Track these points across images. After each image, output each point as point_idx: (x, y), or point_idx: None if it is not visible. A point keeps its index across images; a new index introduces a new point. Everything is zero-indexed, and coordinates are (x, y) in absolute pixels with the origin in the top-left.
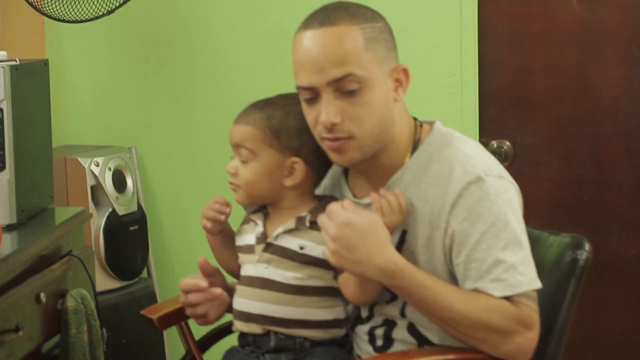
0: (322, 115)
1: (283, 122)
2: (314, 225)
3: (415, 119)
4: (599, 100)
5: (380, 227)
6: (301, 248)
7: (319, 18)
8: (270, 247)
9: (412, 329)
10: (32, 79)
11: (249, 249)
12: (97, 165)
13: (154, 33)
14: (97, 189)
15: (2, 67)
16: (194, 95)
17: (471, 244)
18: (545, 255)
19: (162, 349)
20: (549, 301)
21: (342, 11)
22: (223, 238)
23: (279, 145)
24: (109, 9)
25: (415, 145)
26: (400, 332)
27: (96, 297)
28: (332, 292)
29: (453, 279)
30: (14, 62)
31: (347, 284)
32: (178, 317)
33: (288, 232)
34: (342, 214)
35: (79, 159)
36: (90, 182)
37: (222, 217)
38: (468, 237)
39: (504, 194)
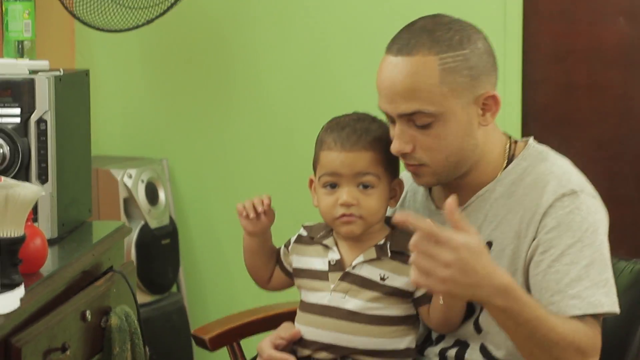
0: (394, 143)
1: (389, 143)
2: (394, 255)
3: (508, 135)
4: None
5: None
6: (382, 279)
7: (400, 42)
8: (348, 276)
9: (484, 351)
10: (74, 89)
11: (320, 275)
12: (130, 177)
13: (188, 43)
14: (129, 202)
15: (46, 77)
16: (227, 107)
17: (555, 255)
18: (616, 281)
19: None
20: (621, 330)
21: (426, 36)
22: (262, 242)
23: (390, 168)
24: (148, 19)
25: (509, 161)
26: (472, 354)
27: (139, 315)
28: (408, 321)
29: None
30: (57, 73)
31: (434, 312)
32: (230, 337)
33: (368, 261)
34: (456, 237)
35: (111, 170)
36: (122, 194)
37: (260, 209)
38: (552, 248)
39: (596, 214)
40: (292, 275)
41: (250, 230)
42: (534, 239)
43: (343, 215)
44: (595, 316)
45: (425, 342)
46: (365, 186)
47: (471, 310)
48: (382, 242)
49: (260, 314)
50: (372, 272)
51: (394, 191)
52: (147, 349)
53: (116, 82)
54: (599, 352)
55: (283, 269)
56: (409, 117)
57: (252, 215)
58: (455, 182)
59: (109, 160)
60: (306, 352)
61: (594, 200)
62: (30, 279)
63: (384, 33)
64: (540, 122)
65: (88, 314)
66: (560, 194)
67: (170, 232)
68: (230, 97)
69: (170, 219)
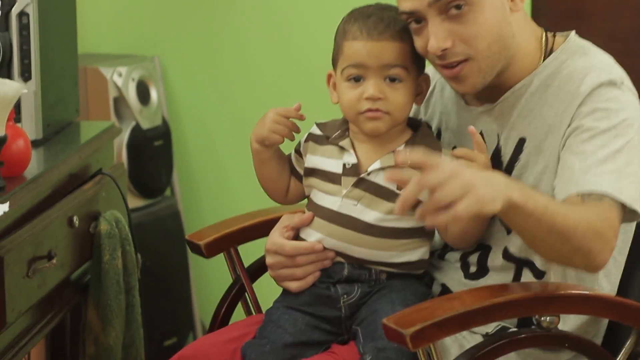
0: (431, 41)
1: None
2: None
3: (544, 29)
4: None
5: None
6: (399, 188)
7: None
8: (363, 183)
9: (506, 254)
10: None
11: (332, 178)
12: (120, 75)
13: None
14: (119, 101)
15: None
16: (222, 2)
17: (585, 137)
18: None
19: (186, 273)
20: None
21: None
22: (275, 149)
23: (418, 61)
24: None
25: (546, 54)
26: (495, 259)
27: (130, 220)
28: (422, 232)
29: None
30: None
31: (451, 227)
32: (226, 243)
33: (386, 168)
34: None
35: (100, 68)
36: (112, 93)
37: (292, 137)
38: (584, 132)
39: (635, 110)
40: None
41: (272, 142)
42: (568, 127)
43: (369, 110)
44: (614, 203)
45: (446, 247)
46: (393, 79)
47: None
48: (401, 147)
49: (258, 218)
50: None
51: (421, 87)
52: (139, 256)
53: None
54: (617, 236)
55: (298, 176)
56: (442, 6)
57: (281, 140)
58: (492, 81)
59: (97, 58)
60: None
61: (634, 97)
62: (13, 182)
63: None
64: (551, 16)
65: (75, 220)
66: (599, 83)
67: (163, 133)
68: None
69: (163, 119)
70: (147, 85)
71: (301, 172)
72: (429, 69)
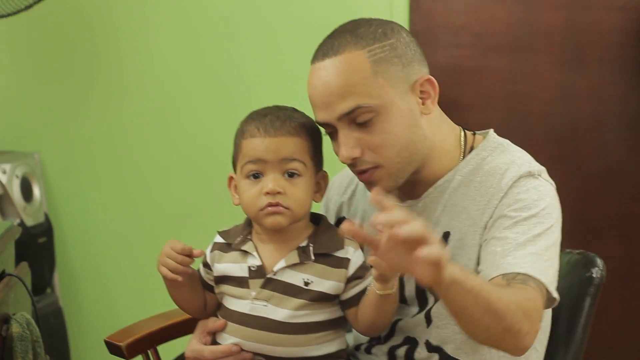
0: (341, 150)
1: (315, 131)
2: (318, 257)
3: (463, 128)
4: (532, 104)
5: None
6: (306, 284)
7: (325, 47)
8: (270, 283)
9: (431, 346)
10: None
11: (240, 282)
12: (4, 172)
13: (60, 32)
14: (4, 198)
15: None
16: (102, 99)
17: (506, 224)
18: None
19: None
20: (563, 322)
21: (348, 35)
22: (188, 279)
23: (316, 158)
24: (27, 4)
25: (467, 151)
26: (422, 352)
27: (39, 322)
28: (336, 323)
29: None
30: None
31: (362, 315)
32: (147, 343)
33: (290, 266)
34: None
35: None
36: None
37: (189, 270)
38: (506, 220)
39: (553, 199)
40: None
41: (176, 282)
42: (490, 219)
43: (269, 205)
44: (536, 284)
45: (372, 340)
46: (291, 175)
47: (424, 301)
48: (304, 243)
49: (176, 318)
50: (295, 278)
51: (319, 185)
52: (49, 357)
53: None
54: (541, 318)
55: (211, 289)
56: (350, 118)
57: (179, 279)
58: (411, 178)
59: None
60: None
61: (552, 188)
62: None
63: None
64: None
65: None
66: (519, 176)
67: (46, 229)
68: (106, 89)
69: (45, 216)
70: (29, 182)
71: (212, 284)
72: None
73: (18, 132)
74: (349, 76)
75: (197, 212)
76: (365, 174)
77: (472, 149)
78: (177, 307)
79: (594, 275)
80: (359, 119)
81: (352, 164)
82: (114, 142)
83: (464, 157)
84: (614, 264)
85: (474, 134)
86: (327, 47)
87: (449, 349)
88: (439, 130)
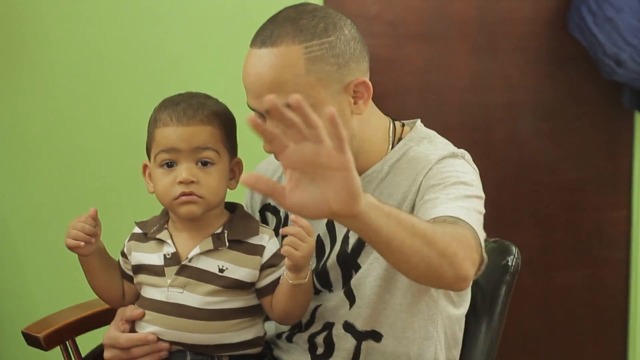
0: (265, 143)
1: (229, 119)
2: (233, 244)
3: (392, 119)
4: (446, 94)
5: None
6: (221, 270)
7: (264, 34)
8: (185, 270)
9: (347, 326)
10: None
11: (156, 270)
12: None
13: None
14: None
15: None
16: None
17: (436, 189)
18: None
19: None
20: (480, 309)
21: (289, 25)
22: (99, 257)
23: (229, 145)
24: None
25: (395, 142)
26: (338, 334)
27: None
28: (252, 311)
29: None
30: None
31: (277, 303)
32: (65, 334)
33: (205, 252)
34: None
35: None
36: None
37: (93, 240)
38: (434, 187)
39: (477, 179)
40: None
41: (89, 252)
42: (417, 194)
43: (182, 194)
44: (469, 226)
45: (293, 328)
46: (205, 163)
47: (348, 278)
48: (219, 230)
49: (95, 308)
50: (209, 264)
51: (233, 172)
52: None
53: None
54: (478, 252)
55: (129, 278)
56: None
57: (82, 244)
58: None
59: None
60: None
61: (476, 171)
62: None
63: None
64: None
65: None
66: (442, 156)
67: None
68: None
69: None
70: None
71: (130, 273)
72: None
73: None
74: (281, 71)
75: (114, 202)
76: None
77: (400, 139)
78: (95, 297)
79: (510, 263)
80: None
81: (275, 155)
82: (24, 128)
83: (392, 148)
84: (528, 253)
85: (403, 125)
86: (267, 35)
87: (361, 326)
88: (368, 125)
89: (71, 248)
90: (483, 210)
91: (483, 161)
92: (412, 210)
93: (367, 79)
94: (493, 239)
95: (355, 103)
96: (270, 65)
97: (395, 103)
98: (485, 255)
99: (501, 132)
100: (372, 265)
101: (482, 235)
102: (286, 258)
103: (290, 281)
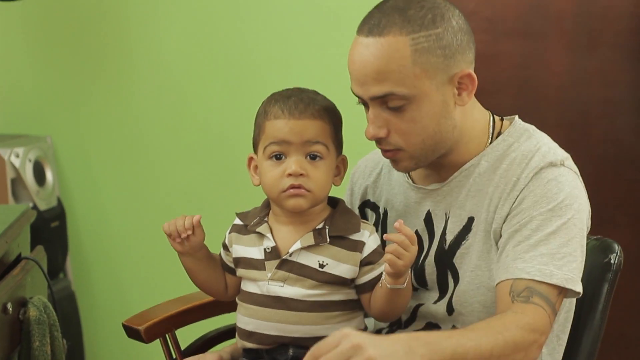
0: (368, 128)
1: (337, 115)
2: (334, 240)
3: (492, 113)
4: (542, 90)
5: None
6: (321, 266)
7: (371, 22)
8: (286, 264)
9: None
10: None
11: (256, 264)
12: (17, 156)
13: (74, 15)
14: (17, 182)
15: None
16: (113, 83)
17: (522, 221)
18: None
19: (81, 355)
20: (582, 308)
21: (397, 15)
22: (200, 258)
23: (337, 141)
24: None
25: (494, 137)
26: None
27: (55, 305)
28: (353, 304)
29: None
30: None
31: (375, 301)
32: (165, 327)
33: (306, 248)
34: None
35: None
36: (10, 175)
37: (180, 240)
38: (521, 215)
39: (574, 188)
40: None
41: (180, 251)
42: (508, 213)
43: (291, 187)
44: (542, 297)
45: (393, 324)
46: (314, 157)
47: (444, 288)
48: (320, 225)
49: (194, 302)
50: (310, 259)
51: (338, 169)
52: (65, 341)
53: None
54: (542, 334)
55: (231, 270)
56: (382, 100)
57: (178, 240)
58: (437, 161)
59: None
60: (249, 344)
61: (576, 176)
62: None
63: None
64: None
65: (9, 306)
66: (540, 167)
67: (59, 214)
68: (119, 73)
69: (58, 200)
70: (42, 166)
71: (232, 265)
72: (377, 149)
73: (31, 116)
74: (387, 61)
75: (209, 196)
76: (387, 153)
77: (499, 134)
78: (194, 290)
79: (612, 261)
80: (390, 105)
81: (377, 141)
82: (126, 126)
83: (491, 142)
84: (626, 251)
85: (502, 119)
86: (374, 24)
87: None
88: (470, 117)
89: (166, 235)
90: (578, 232)
91: (580, 158)
92: (503, 223)
93: (472, 71)
94: (595, 237)
95: (459, 94)
96: (377, 55)
97: (492, 99)
98: (579, 289)
99: (599, 129)
100: (474, 275)
101: (571, 270)
102: (386, 264)
103: (388, 286)
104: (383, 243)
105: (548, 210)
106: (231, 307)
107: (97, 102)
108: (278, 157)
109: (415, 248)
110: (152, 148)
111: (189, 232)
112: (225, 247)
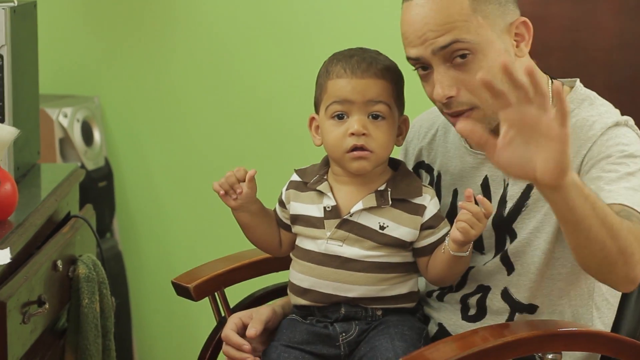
0: (437, 89)
1: (399, 75)
2: (395, 202)
3: (551, 77)
4: (592, 53)
5: None
6: (381, 227)
7: None
8: (346, 224)
9: (506, 295)
10: (25, 22)
11: (315, 222)
12: (66, 116)
13: None
14: (65, 142)
15: (2, 8)
16: (159, 45)
17: (598, 168)
18: None
19: (128, 315)
20: None
21: None
22: (254, 213)
23: (399, 101)
24: None
25: (553, 103)
26: (493, 299)
27: (104, 264)
28: (409, 267)
29: None
30: (11, 4)
31: (433, 266)
32: (214, 285)
33: (367, 209)
34: None
35: (46, 109)
36: (58, 134)
37: (235, 195)
38: (595, 166)
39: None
40: None
41: (234, 206)
42: (578, 172)
43: (354, 147)
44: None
45: (444, 287)
46: (376, 117)
47: (502, 245)
48: (382, 187)
49: (243, 260)
50: (371, 221)
51: (400, 129)
52: (114, 299)
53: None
54: None
55: (286, 227)
56: (446, 53)
57: (233, 196)
58: (496, 127)
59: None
60: (303, 301)
61: (638, 136)
62: (3, 227)
63: None
64: None
65: (59, 264)
66: (606, 127)
67: (106, 174)
68: (165, 35)
69: (105, 160)
70: (90, 126)
71: (287, 222)
72: (432, 110)
73: (78, 76)
74: (448, 12)
75: (256, 156)
76: (461, 114)
77: None
78: (241, 250)
79: None
80: (455, 55)
81: (447, 104)
82: (172, 87)
83: None
84: None
85: (562, 84)
86: None
87: (523, 298)
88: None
89: (217, 193)
90: None
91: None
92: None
93: (527, 20)
94: None
95: (517, 46)
96: (436, 9)
97: (540, 62)
98: None
99: None
100: (533, 236)
101: None
102: (453, 229)
103: (452, 252)
104: None
105: (621, 157)
106: (280, 265)
107: (144, 63)
108: (340, 116)
109: (486, 220)
110: (198, 108)
111: (244, 185)
112: (281, 203)
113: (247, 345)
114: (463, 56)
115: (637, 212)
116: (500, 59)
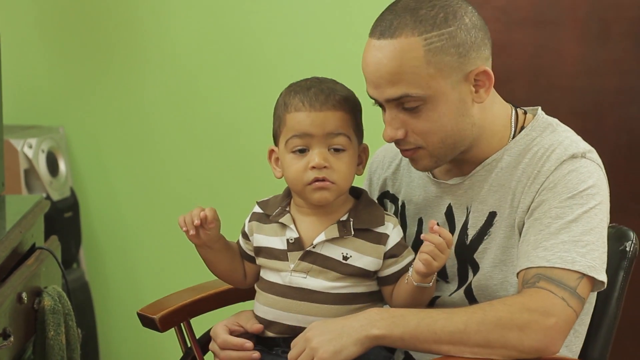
0: (386, 130)
1: (357, 104)
2: (358, 232)
3: (514, 106)
4: (556, 79)
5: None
6: (345, 258)
7: (383, 25)
8: (309, 256)
9: None
10: None
11: (278, 255)
12: (30, 147)
13: (83, 8)
14: (30, 173)
15: None
16: (124, 73)
17: (543, 210)
18: None
19: (95, 345)
20: (597, 296)
21: (409, 16)
22: (218, 249)
23: (358, 130)
24: None
25: (517, 131)
26: None
27: (70, 295)
28: (374, 296)
29: None
30: None
31: (398, 295)
32: (180, 316)
33: (330, 240)
34: None
35: (10, 140)
36: (23, 165)
37: (193, 232)
38: (543, 205)
39: (597, 179)
40: None
41: (197, 243)
42: (529, 206)
43: (315, 180)
44: (558, 280)
45: None
46: (337, 149)
47: (464, 278)
48: (344, 217)
49: (209, 290)
50: (334, 251)
51: (360, 158)
52: (79, 330)
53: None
54: (546, 316)
55: (250, 259)
56: (398, 102)
57: (191, 232)
58: (458, 157)
59: (5, 129)
60: (268, 333)
61: (598, 168)
62: None
63: None
64: None
65: (24, 296)
66: (562, 160)
67: (72, 204)
68: (130, 63)
69: (71, 190)
70: (55, 157)
71: (251, 254)
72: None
73: (43, 106)
74: (400, 63)
75: (221, 187)
76: (407, 152)
77: (522, 128)
78: (208, 280)
79: (627, 249)
80: (406, 105)
81: (396, 142)
82: (138, 117)
83: (513, 136)
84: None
85: (525, 113)
86: (385, 26)
87: None
88: (490, 113)
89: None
90: (600, 221)
91: (593, 148)
92: (526, 215)
93: (488, 68)
94: (610, 225)
95: (476, 92)
96: (390, 57)
97: (505, 88)
98: (602, 278)
99: (612, 118)
100: (495, 269)
101: (594, 259)
102: (416, 260)
103: (415, 283)
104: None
105: (568, 198)
106: (246, 295)
107: (110, 93)
108: (301, 150)
109: (449, 251)
110: (164, 139)
111: (211, 225)
112: (245, 235)
113: (249, 343)
114: (413, 107)
115: (565, 270)
116: (452, 108)
